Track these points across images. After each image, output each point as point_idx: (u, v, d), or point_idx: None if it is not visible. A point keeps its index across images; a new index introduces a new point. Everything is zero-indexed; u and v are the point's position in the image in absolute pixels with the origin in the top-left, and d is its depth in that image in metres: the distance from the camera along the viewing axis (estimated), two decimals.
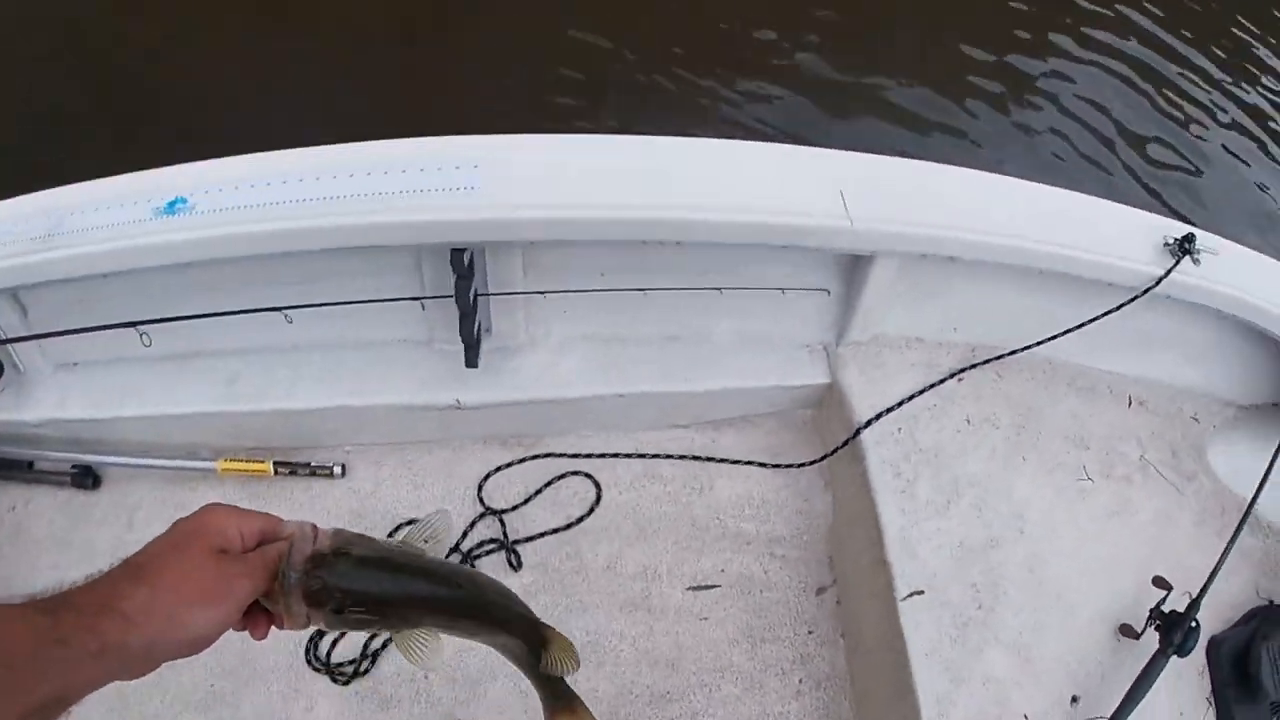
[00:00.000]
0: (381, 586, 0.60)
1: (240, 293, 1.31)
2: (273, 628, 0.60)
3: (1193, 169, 4.26)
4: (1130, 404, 1.77)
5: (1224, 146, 4.49)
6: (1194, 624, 1.31)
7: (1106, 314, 1.53)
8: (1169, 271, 1.49)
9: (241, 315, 1.27)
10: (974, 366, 1.63)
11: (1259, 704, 1.47)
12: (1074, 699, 1.34)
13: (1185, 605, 1.31)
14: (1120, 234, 1.55)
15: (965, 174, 1.52)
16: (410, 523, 1.53)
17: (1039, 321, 1.61)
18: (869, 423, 1.49)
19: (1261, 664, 1.46)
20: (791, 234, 1.30)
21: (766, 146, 1.39)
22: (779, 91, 3.54)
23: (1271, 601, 1.65)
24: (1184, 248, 1.52)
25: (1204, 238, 1.59)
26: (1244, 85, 4.83)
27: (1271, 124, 4.91)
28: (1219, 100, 4.73)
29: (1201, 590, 1.31)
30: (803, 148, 1.41)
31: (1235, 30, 5.09)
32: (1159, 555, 1.57)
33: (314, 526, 0.61)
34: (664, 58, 3.46)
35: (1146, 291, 1.50)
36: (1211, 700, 1.47)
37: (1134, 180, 4.00)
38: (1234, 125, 4.70)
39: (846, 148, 1.46)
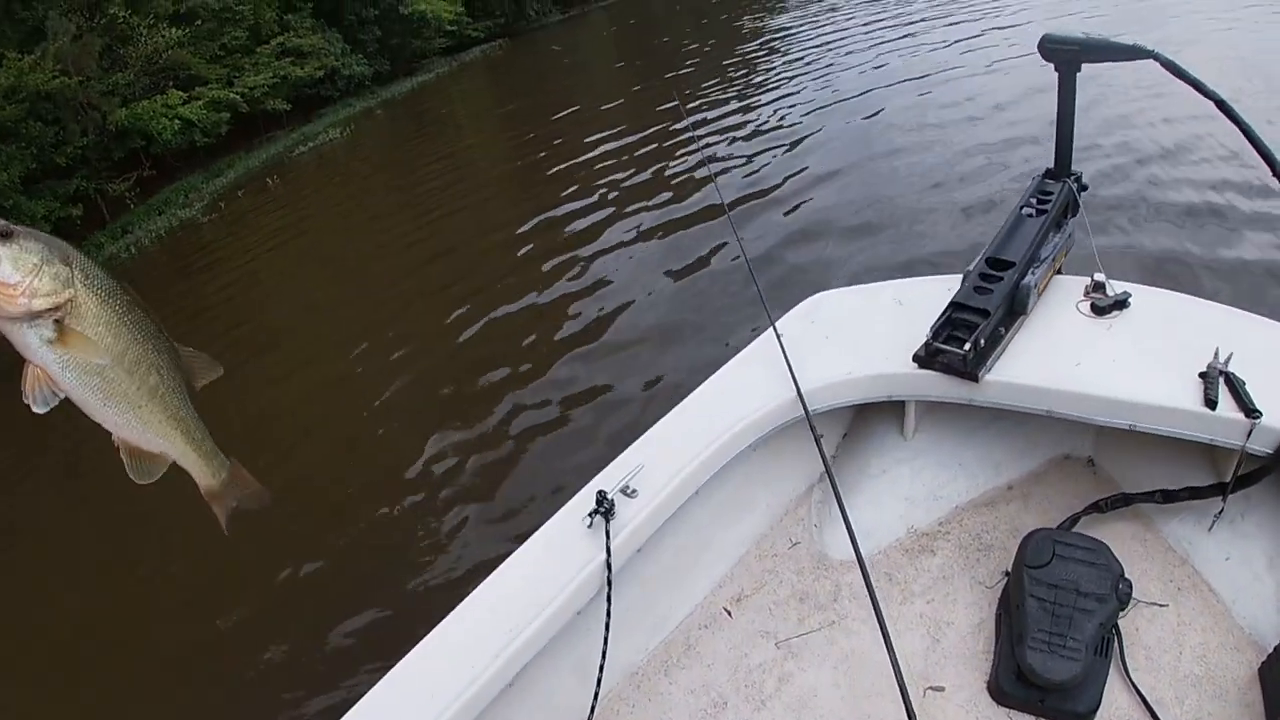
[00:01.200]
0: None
1: None
2: None
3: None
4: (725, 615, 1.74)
5: None
6: None
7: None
8: (610, 546, 1.50)
9: None
10: None
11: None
12: None
13: None
14: (562, 552, 1.53)
15: None
16: None
17: None
18: None
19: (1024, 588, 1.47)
20: None
21: None
22: None
23: (1006, 572, 1.63)
24: (603, 512, 1.53)
25: (619, 475, 1.62)
26: None
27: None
28: None
29: None
30: None
31: None
32: None
33: None
34: None
35: (610, 582, 1.49)
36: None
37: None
38: None
39: None
